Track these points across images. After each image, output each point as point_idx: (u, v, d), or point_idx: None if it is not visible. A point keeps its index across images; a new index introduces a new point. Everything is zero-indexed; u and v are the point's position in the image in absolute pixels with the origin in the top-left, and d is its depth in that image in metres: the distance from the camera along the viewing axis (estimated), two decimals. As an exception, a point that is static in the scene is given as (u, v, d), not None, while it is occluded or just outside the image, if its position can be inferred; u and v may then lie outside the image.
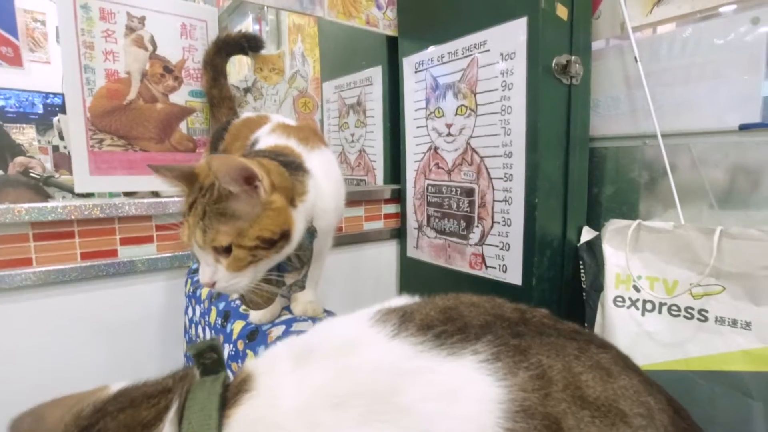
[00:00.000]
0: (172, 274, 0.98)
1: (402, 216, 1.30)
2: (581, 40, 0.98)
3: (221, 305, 0.75)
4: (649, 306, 0.84)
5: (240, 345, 0.64)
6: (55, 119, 1.63)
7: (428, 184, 1.19)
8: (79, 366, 0.88)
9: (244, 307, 0.68)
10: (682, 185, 0.89)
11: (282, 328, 0.61)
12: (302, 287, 0.61)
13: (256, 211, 0.49)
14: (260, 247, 0.50)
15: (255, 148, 0.63)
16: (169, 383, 0.33)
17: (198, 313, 0.83)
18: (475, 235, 1.07)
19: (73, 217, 0.84)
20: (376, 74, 1.34)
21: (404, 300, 0.39)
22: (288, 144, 0.62)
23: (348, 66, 1.46)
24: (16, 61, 0.77)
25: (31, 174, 1.56)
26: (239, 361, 0.63)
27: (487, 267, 1.05)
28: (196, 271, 0.92)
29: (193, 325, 0.86)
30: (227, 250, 0.49)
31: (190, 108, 0.97)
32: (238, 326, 0.67)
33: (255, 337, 0.62)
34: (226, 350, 0.67)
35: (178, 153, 0.96)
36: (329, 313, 0.69)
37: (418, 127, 1.21)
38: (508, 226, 0.99)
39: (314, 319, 0.65)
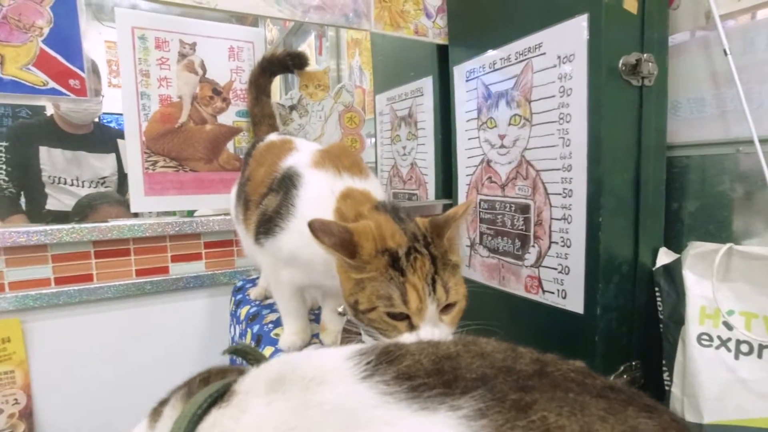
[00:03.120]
0: (217, 291, 1.00)
1: (453, 232, 1.23)
2: (655, 35, 0.85)
3: (255, 328, 0.74)
4: (744, 348, 0.70)
5: (267, 373, 0.62)
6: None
7: (481, 200, 1.11)
8: (131, 376, 0.93)
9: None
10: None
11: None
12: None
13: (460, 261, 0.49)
14: None
15: (304, 188, 0.59)
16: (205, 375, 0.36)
17: (238, 332, 0.83)
18: (531, 256, 0.97)
19: (129, 236, 0.89)
20: (426, 85, 1.30)
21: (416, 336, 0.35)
22: (364, 187, 0.59)
23: (399, 78, 1.43)
24: (81, 92, 0.82)
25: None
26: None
27: (544, 291, 0.95)
28: (240, 289, 0.93)
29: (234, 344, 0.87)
30: (450, 305, 0.48)
31: (237, 128, 0.99)
32: (266, 352, 0.65)
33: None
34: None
35: (225, 172, 0.98)
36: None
37: (469, 139, 1.14)
38: (568, 247, 0.89)
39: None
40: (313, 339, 0.67)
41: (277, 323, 0.72)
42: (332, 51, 2.21)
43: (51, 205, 1.65)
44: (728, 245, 0.72)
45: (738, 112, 0.81)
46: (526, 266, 0.99)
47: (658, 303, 0.86)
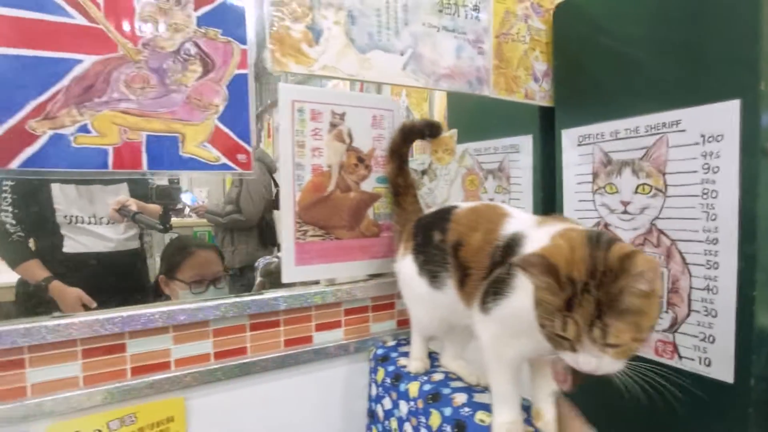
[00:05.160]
0: (355, 358, 0.99)
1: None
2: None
3: (447, 411, 0.73)
4: None
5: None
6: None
7: (594, 260, 1.14)
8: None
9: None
10: None
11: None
12: None
13: (650, 302, 0.49)
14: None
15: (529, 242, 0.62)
16: None
17: (405, 410, 0.82)
18: (663, 322, 1.00)
19: (280, 308, 0.88)
20: (524, 142, 1.33)
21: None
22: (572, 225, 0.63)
23: (484, 131, 1.46)
24: (247, 166, 0.82)
25: (122, 212, 1.62)
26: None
27: (681, 357, 0.97)
28: (384, 359, 0.92)
29: (393, 419, 0.86)
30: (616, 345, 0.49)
31: (377, 194, 1.00)
32: (485, 443, 0.65)
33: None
34: (474, 469, 0.65)
35: (364, 239, 0.99)
36: None
37: (580, 201, 1.17)
38: (713, 317, 0.91)
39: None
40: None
41: (473, 407, 0.72)
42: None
43: (69, 247, 1.57)
44: None
45: None
46: (657, 331, 1.01)
47: None
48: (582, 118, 1.15)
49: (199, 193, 3.62)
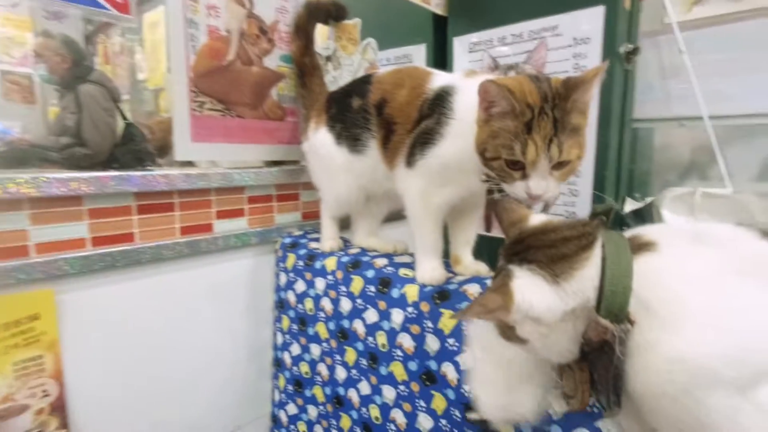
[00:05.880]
0: (260, 250, 0.93)
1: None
2: (634, 30, 1.10)
3: (370, 273, 0.74)
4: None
5: (425, 307, 0.65)
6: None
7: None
8: (178, 343, 0.82)
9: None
10: (711, 161, 1.06)
11: (477, 285, 0.64)
12: None
13: (585, 120, 0.54)
14: None
15: (459, 95, 0.63)
16: (583, 230, 0.41)
17: (321, 286, 0.81)
18: (535, 207, 1.16)
19: (175, 188, 0.77)
20: (417, 52, 1.36)
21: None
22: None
23: (380, 42, 1.45)
24: (125, 9, 0.69)
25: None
26: (424, 322, 0.65)
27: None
28: (294, 245, 0.89)
29: (308, 299, 0.84)
30: (562, 163, 0.53)
31: (281, 73, 0.92)
32: (411, 290, 0.68)
33: (448, 297, 0.64)
34: (401, 314, 0.68)
35: (269, 121, 0.91)
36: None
37: (469, 106, 1.26)
38: (575, 196, 1.09)
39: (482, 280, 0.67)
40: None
41: (395, 266, 0.74)
42: None
43: None
44: (698, 188, 1.01)
45: (680, 96, 1.11)
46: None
47: (616, 205, 1.12)
48: (473, 25, 1.22)
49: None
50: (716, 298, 0.35)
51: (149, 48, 1.02)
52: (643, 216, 1.11)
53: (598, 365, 0.39)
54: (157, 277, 0.78)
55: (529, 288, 0.39)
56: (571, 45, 1.05)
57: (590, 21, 1.01)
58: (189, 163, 0.84)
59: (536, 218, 0.46)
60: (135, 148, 0.81)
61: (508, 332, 0.42)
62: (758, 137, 1.05)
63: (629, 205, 1.15)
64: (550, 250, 0.40)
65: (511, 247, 0.44)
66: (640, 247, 0.39)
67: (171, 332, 0.81)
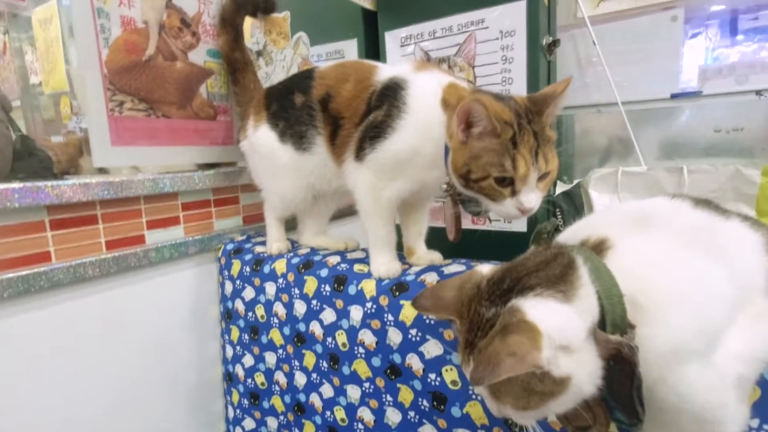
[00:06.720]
0: (199, 260, 0.86)
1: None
2: (552, 23, 1.17)
3: (324, 272, 0.72)
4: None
5: (384, 300, 0.64)
6: None
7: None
8: (110, 370, 0.74)
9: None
10: (625, 142, 1.16)
11: (434, 274, 0.64)
12: None
13: (555, 134, 0.56)
14: None
15: (412, 87, 0.62)
16: (553, 252, 0.39)
17: (272, 291, 0.77)
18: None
19: (96, 198, 0.69)
20: (349, 47, 1.34)
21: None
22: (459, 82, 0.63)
23: (311, 38, 1.41)
24: None
25: None
26: (384, 316, 0.64)
27: (491, 221, 1.19)
28: (238, 251, 0.84)
29: (258, 306, 0.79)
30: (545, 174, 0.54)
31: (209, 69, 0.86)
32: (368, 285, 0.66)
33: (407, 288, 0.63)
34: (360, 311, 0.66)
35: (199, 120, 0.85)
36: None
37: (405, 99, 1.27)
38: (510, 183, 1.14)
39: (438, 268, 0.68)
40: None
41: (349, 263, 0.72)
42: None
43: None
44: (619, 168, 1.10)
45: (595, 85, 1.20)
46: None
47: (559, 222, 1.20)
48: (403, 19, 1.23)
49: None
50: (679, 277, 0.37)
51: (42, 47, 0.90)
52: (572, 196, 1.19)
53: (613, 382, 0.35)
54: (81, 300, 0.69)
55: (547, 314, 0.34)
56: (498, 38, 1.09)
57: (514, 15, 1.06)
58: (106, 170, 0.75)
59: (485, 267, 0.42)
60: (38, 161, 0.70)
61: (540, 387, 0.34)
62: (660, 120, 1.16)
63: (559, 188, 1.22)
64: (543, 272, 0.37)
65: (492, 292, 0.38)
66: (596, 249, 0.40)
67: (100, 360, 0.72)
